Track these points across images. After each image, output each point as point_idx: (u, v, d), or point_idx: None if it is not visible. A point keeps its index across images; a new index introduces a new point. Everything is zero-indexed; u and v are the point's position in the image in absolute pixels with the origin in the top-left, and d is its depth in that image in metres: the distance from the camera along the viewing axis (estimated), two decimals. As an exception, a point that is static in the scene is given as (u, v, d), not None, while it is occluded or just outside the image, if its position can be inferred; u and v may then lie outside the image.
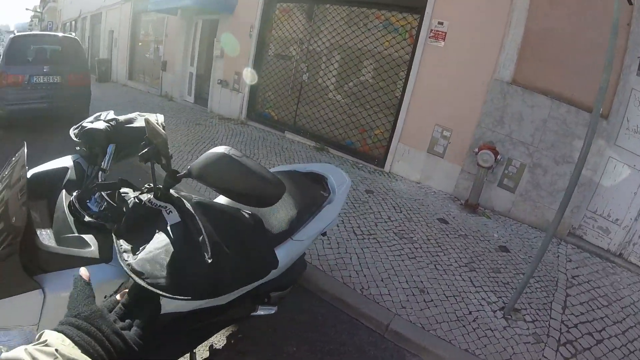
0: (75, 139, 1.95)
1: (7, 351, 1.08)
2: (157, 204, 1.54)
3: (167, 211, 1.52)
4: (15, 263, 1.30)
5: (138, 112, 2.27)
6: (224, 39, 10.75)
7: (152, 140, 1.55)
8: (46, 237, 1.59)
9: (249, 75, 8.85)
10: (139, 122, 2.12)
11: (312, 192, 2.41)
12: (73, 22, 27.78)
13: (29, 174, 1.85)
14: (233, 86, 9.46)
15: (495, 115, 5.08)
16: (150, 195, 1.57)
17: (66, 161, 2.06)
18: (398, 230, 4.20)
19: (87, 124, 1.98)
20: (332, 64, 7.24)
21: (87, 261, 1.47)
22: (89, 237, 1.58)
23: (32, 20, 45.62)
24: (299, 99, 7.82)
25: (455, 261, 3.77)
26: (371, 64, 6.55)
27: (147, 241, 1.40)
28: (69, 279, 1.24)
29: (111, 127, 1.96)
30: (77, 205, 1.72)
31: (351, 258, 3.60)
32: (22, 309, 1.36)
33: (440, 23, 5.58)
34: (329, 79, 7.26)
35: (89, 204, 1.76)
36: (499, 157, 4.85)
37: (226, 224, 1.70)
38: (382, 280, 3.33)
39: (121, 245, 1.38)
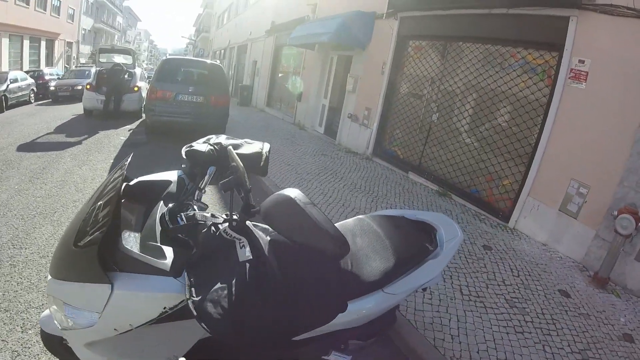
0: (183, 155, 2.20)
1: (72, 324, 1.75)
2: (231, 235, 1.73)
3: (240, 244, 1.69)
4: (93, 255, 1.58)
5: (246, 139, 2.50)
6: (293, 83, 11.95)
7: (234, 170, 1.74)
8: (132, 240, 1.82)
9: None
10: (244, 149, 2.34)
11: (415, 244, 2.37)
12: (222, 51, 31.93)
13: (137, 180, 2.18)
14: (362, 121, 10.11)
15: (640, 174, 4.78)
16: (226, 225, 1.77)
17: (172, 175, 2.33)
18: (510, 297, 4.23)
19: (196, 144, 2.25)
20: (463, 105, 7.50)
21: (157, 271, 1.69)
22: (167, 249, 1.79)
23: (187, 47, 52.74)
24: (427, 140, 8.16)
25: (568, 345, 3.64)
26: (505, 106, 6.61)
27: (217, 274, 1.61)
28: (137, 281, 1.68)
29: (214, 151, 2.19)
30: (166, 218, 1.96)
31: (450, 320, 3.70)
32: (92, 295, 1.64)
33: (582, 62, 5.42)
34: (459, 121, 7.51)
35: (178, 219, 1.98)
36: (640, 223, 4.52)
37: (301, 267, 1.83)
38: (477, 353, 3.29)
39: (191, 280, 1.62)
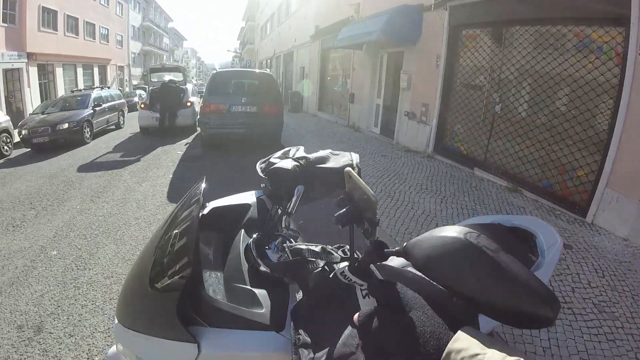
0: (261, 174, 1.91)
1: None
2: (351, 279, 1.33)
3: (363, 291, 1.32)
4: (172, 305, 1.33)
5: (330, 150, 2.14)
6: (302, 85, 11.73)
7: (353, 197, 1.36)
8: (215, 281, 1.62)
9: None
10: (332, 162, 1.99)
11: (518, 255, 1.97)
12: (268, 61, 32.76)
13: (210, 207, 1.93)
14: (420, 118, 10.02)
15: None
16: (345, 266, 1.37)
17: (249, 197, 2.08)
18: (598, 300, 4.09)
19: (276, 159, 1.95)
20: (527, 93, 7.26)
21: (254, 324, 1.41)
22: (262, 294, 1.51)
23: (233, 60, 54.47)
24: (491, 133, 7.95)
25: None
26: (573, 91, 6.30)
27: (331, 328, 1.23)
28: (230, 339, 1.39)
29: (300, 167, 1.89)
30: (254, 252, 1.68)
31: (540, 330, 3.56)
32: (173, 356, 1.41)
33: (652, 35, 5.11)
34: (524, 110, 7.28)
35: (267, 251, 1.71)
36: None
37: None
38: (571, 366, 3.22)
39: (299, 336, 1.29)
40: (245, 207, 2.03)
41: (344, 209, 1.35)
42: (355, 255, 1.40)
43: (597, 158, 5.86)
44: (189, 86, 15.40)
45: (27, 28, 22.87)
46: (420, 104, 10.07)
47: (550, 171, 6.65)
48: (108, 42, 36.21)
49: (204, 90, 12.04)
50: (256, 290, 1.54)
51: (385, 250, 1.21)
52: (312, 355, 1.22)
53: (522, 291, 0.92)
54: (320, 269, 1.49)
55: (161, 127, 13.39)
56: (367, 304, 1.29)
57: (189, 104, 14.04)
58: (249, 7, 49.56)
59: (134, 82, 41.75)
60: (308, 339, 1.28)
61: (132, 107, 24.15)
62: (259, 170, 1.93)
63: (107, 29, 35.79)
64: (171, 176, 8.42)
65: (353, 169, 1.93)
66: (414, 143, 10.44)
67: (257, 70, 12.42)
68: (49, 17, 25.40)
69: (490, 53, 7.97)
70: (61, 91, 26.50)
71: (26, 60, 23.02)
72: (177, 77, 15.95)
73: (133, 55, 44.89)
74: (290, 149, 2.13)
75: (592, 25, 5.93)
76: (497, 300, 0.95)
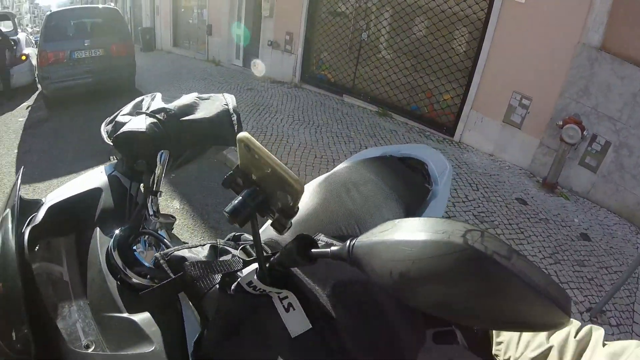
0: (107, 141, 1.39)
1: None
2: (263, 290, 0.91)
3: (285, 303, 0.92)
4: None
5: (197, 94, 1.63)
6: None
7: (250, 175, 0.85)
8: (80, 319, 1.02)
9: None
10: (202, 111, 1.53)
11: (414, 185, 1.96)
12: None
13: (45, 206, 1.17)
14: (285, 47, 9.65)
15: (581, 85, 5.01)
16: (253, 274, 0.89)
17: (97, 178, 1.40)
18: (478, 212, 4.35)
19: (125, 117, 1.42)
20: (395, 21, 7.27)
21: None
22: (145, 321, 0.96)
23: None
24: (358, 60, 8.00)
25: (540, 251, 3.86)
26: (440, 21, 6.48)
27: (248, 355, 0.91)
28: None
29: (160, 124, 1.36)
30: (116, 261, 1.06)
31: None
32: None
33: (520, -26, 5.44)
34: (392, 38, 7.37)
35: (136, 253, 1.12)
36: (585, 132, 4.79)
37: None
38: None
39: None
40: (94, 193, 1.31)
41: (240, 198, 0.81)
42: (266, 254, 0.94)
43: (463, 83, 6.23)
44: (22, 35, 12.28)
45: None
46: (284, 32, 9.58)
47: (418, 95, 6.94)
48: None
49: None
50: (136, 317, 0.97)
51: (314, 251, 0.79)
52: None
53: (543, 303, 0.63)
54: (216, 287, 0.96)
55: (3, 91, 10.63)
56: (293, 322, 0.89)
57: (23, 57, 10.96)
58: None
59: None
60: None
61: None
62: (104, 135, 1.38)
63: None
64: (16, 151, 6.64)
65: (231, 115, 1.57)
66: (280, 73, 10.02)
67: (100, 6, 10.56)
68: None
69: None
70: None
71: None
72: (6, 26, 12.83)
73: None
74: (143, 99, 1.56)
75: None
76: (509, 316, 0.65)
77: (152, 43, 18.75)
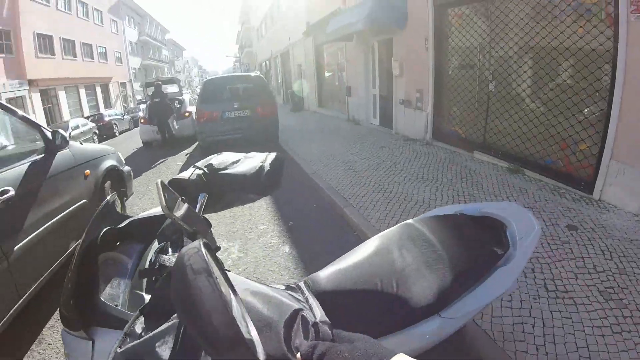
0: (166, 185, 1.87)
1: None
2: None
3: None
4: (70, 309, 1.51)
5: (247, 154, 2.34)
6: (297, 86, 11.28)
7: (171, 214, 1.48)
8: (117, 289, 1.69)
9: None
10: (241, 167, 2.08)
11: (479, 248, 1.93)
12: (267, 62, 32.49)
13: (128, 220, 1.94)
14: (416, 105, 9.63)
15: None
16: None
17: None
18: (604, 287, 3.66)
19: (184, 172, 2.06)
20: (519, 67, 6.81)
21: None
22: (147, 299, 1.60)
23: (234, 65, 54.09)
24: (487, 113, 7.55)
25: None
26: (566, 59, 5.86)
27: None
28: (117, 338, 1.45)
29: (201, 176, 1.99)
30: (151, 259, 1.75)
31: (534, 325, 3.22)
32: (78, 348, 1.56)
33: (643, -11, 4.63)
34: (518, 85, 6.85)
35: (163, 256, 1.72)
36: None
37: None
38: (568, 364, 2.79)
39: (134, 325, 1.37)
40: (161, 217, 1.99)
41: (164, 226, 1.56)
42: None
43: (599, 128, 5.40)
44: (186, 96, 15.27)
45: (25, 55, 23.19)
46: (414, 90, 9.65)
47: (552, 147, 6.20)
48: (107, 60, 36.72)
49: None
50: (146, 296, 1.70)
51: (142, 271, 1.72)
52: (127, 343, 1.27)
53: (203, 325, 0.81)
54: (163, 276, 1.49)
55: (163, 141, 13.31)
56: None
57: (187, 114, 13.83)
58: (243, 9, 48.58)
59: (138, 97, 42.06)
60: (140, 329, 1.36)
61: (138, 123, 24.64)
62: (158, 185, 1.74)
63: (105, 48, 36.25)
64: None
65: (262, 170, 2.04)
66: (412, 131, 10.03)
67: (247, 74, 12.38)
68: (44, 43, 25.71)
69: (479, 30, 7.54)
70: (66, 114, 26.84)
71: (28, 88, 23.47)
72: (173, 88, 15.76)
73: (134, 71, 45.38)
74: (212, 157, 2.19)
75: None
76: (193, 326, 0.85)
77: (300, 104, 20.60)
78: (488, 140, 7.62)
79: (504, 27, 6.91)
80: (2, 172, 3.21)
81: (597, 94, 5.44)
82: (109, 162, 5.25)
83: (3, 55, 21.83)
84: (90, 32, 32.95)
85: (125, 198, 5.91)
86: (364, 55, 12.69)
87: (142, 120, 14.03)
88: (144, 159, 12.00)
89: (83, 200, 4.33)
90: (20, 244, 3.19)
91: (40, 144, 4.07)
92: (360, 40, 12.61)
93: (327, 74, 17.53)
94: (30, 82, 23.62)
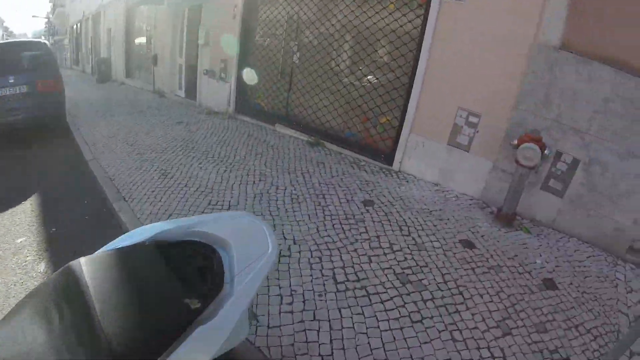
0: None
1: None
2: None
3: None
4: None
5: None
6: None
7: None
8: None
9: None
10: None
11: (162, 305, 1.17)
12: (78, 24, 27.04)
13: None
14: (220, 75, 8.19)
15: (539, 94, 3.64)
16: None
17: None
18: (401, 268, 2.88)
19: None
20: (324, 40, 5.90)
21: None
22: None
23: (46, 26, 44.90)
24: (290, 85, 6.52)
25: (483, 320, 2.45)
26: (372, 34, 5.13)
27: None
28: None
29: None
30: None
31: (319, 331, 2.27)
32: None
33: (457, -32, 4.07)
34: (322, 59, 5.91)
35: None
36: (546, 151, 3.41)
37: None
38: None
39: None
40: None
41: None
42: None
43: (400, 103, 4.79)
44: None
45: None
46: (219, 60, 8.17)
47: (352, 120, 5.46)
48: None
49: None
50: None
51: None
52: None
53: None
54: None
55: None
56: None
57: None
58: None
59: None
60: None
61: None
62: None
63: None
64: None
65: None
66: (216, 104, 8.54)
67: (27, 40, 9.11)
68: None
69: (286, -1, 6.48)
70: None
71: None
72: None
73: None
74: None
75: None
76: None
77: (108, 74, 17.21)
78: (290, 113, 6.60)
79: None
80: None
81: (400, 69, 4.80)
82: None
83: None
84: None
85: None
86: (172, 21, 10.64)
87: None
88: None
89: None
90: None
91: None
92: (171, 5, 10.60)
93: (137, 42, 14.90)
94: None
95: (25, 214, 4.48)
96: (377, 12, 4.96)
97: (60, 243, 3.80)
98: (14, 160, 6.45)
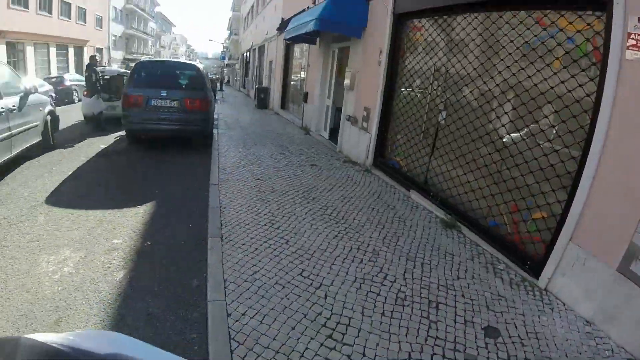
0: None
1: None
2: None
3: None
4: None
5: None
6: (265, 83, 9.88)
7: None
8: None
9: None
10: None
11: None
12: (247, 53, 30.24)
13: None
14: (362, 124, 7.94)
15: None
16: None
17: None
18: None
19: None
20: (475, 100, 5.14)
21: None
22: None
23: (223, 51, 51.56)
24: (433, 149, 5.86)
25: None
26: (534, 98, 4.18)
27: None
28: None
29: None
30: None
31: None
32: None
33: (643, 20, 3.03)
34: (471, 122, 5.14)
35: None
36: None
37: None
38: None
39: None
40: None
41: None
42: None
43: (562, 197, 3.75)
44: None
45: None
46: (363, 107, 7.93)
47: (500, 206, 4.54)
48: (85, 22, 32.97)
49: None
50: None
51: None
52: None
53: None
54: None
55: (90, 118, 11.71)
56: None
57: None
58: None
59: (114, 66, 39.04)
60: None
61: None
62: None
63: (85, 9, 32.61)
64: (72, 172, 6.82)
65: None
66: (355, 152, 8.32)
67: (184, 62, 10.65)
68: None
69: (436, 48, 5.89)
70: (32, 72, 24.19)
71: None
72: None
73: (114, 38, 41.37)
74: None
75: (561, 9, 3.88)
76: None
77: (265, 102, 18.79)
78: (429, 181, 5.92)
79: (463, 47, 5.28)
80: (11, 96, 6.37)
81: (566, 150, 3.80)
82: (49, 107, 8.34)
83: (-29, 1, 19.55)
84: (70, -10, 29.83)
85: (55, 131, 8.79)
86: (323, 62, 10.94)
87: (84, 93, 12.05)
88: (72, 135, 10.14)
89: (37, 122, 7.42)
90: (15, 130, 6.27)
91: (22, 87, 6.98)
92: (322, 45, 10.91)
93: (293, 77, 15.74)
94: (-2, 33, 21.26)
95: (134, 218, 5.01)
96: (538, 71, 4.10)
97: (145, 259, 4.02)
98: (151, 162, 7.82)
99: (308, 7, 11.41)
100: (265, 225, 4.70)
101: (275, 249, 4.09)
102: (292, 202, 5.51)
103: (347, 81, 8.61)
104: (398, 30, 6.83)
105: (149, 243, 4.35)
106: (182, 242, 4.43)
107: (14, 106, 6.28)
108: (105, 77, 12.19)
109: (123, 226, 4.73)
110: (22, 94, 6.78)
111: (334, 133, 10.32)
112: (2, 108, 5.88)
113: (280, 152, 8.89)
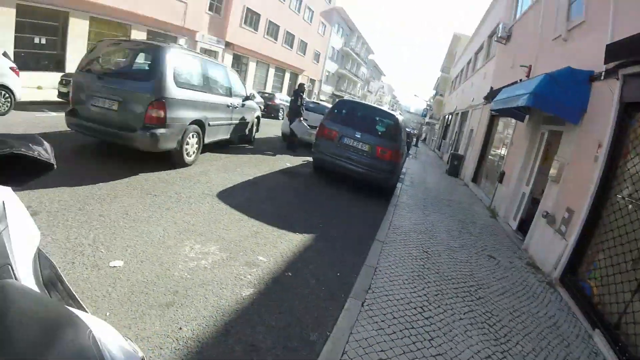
0: None
1: None
2: None
3: None
4: None
5: None
6: (461, 151, 9.15)
7: None
8: None
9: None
10: None
11: None
12: (449, 116, 30.11)
13: None
14: (559, 227, 6.69)
15: None
16: None
17: None
18: None
19: None
20: None
21: None
22: None
23: (425, 108, 53.13)
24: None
25: None
26: None
27: None
28: None
29: None
30: None
31: None
32: None
33: None
34: None
35: None
36: None
37: None
38: None
39: None
40: None
41: None
42: None
43: None
44: None
45: (230, 21, 27.02)
46: (565, 207, 6.62)
47: None
48: (304, 54, 39.75)
49: None
50: None
51: None
52: None
53: None
54: None
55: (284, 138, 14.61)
56: None
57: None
58: (447, 59, 47.20)
59: (322, 98, 44.39)
60: None
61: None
62: None
63: (307, 43, 39.31)
64: (251, 178, 8.02)
65: None
66: (542, 257, 7.00)
67: (385, 110, 10.80)
68: (251, 17, 29.33)
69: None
70: (250, 83, 30.71)
71: (223, 47, 27.49)
72: None
73: (327, 74, 48.34)
74: None
75: None
76: None
77: (457, 170, 18.17)
78: (624, 326, 4.45)
79: None
80: (237, 97, 10.01)
81: None
82: (258, 112, 12.13)
83: (212, 13, 25.61)
84: (296, 25, 36.30)
85: (256, 132, 12.37)
86: (528, 143, 9.75)
87: (287, 114, 14.17)
88: (266, 145, 12.97)
89: (248, 121, 11.14)
90: (234, 122, 10.01)
91: (244, 94, 10.58)
92: (530, 123, 9.80)
93: (492, 151, 14.64)
94: (228, 44, 27.55)
95: (288, 243, 5.23)
96: None
97: (278, 288, 4.03)
98: (325, 195, 8.56)
99: (520, 80, 10.54)
100: (415, 308, 4.20)
101: (414, 342, 3.55)
102: (454, 294, 4.85)
103: (552, 171, 7.43)
104: (624, 124, 5.59)
105: (289, 274, 4.36)
106: (322, 287, 4.28)
107: (237, 105, 9.95)
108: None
109: (274, 246, 4.89)
110: (244, 97, 10.54)
111: (522, 225, 8.99)
112: (231, 104, 9.53)
113: (458, 228, 8.21)
